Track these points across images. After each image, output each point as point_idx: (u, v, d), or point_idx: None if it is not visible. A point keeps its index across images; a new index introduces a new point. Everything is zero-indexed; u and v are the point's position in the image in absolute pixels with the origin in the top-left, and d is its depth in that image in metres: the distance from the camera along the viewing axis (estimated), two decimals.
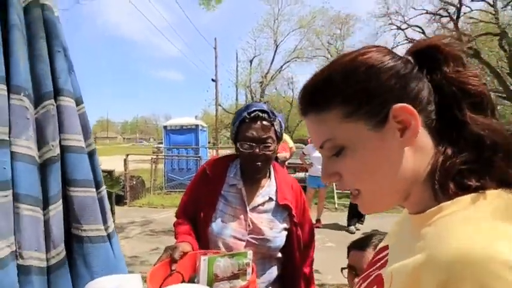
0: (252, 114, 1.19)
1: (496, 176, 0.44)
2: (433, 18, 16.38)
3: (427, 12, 16.49)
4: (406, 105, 0.46)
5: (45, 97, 1.03)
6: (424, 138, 0.48)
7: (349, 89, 0.48)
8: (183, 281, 1.01)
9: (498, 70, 15.23)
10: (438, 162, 0.46)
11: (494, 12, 14.87)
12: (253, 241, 1.21)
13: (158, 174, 10.03)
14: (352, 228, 5.32)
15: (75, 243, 1.07)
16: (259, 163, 1.22)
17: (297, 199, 1.32)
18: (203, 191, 1.28)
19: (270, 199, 1.27)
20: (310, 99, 0.52)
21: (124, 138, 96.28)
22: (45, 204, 0.98)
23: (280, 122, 1.25)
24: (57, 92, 1.06)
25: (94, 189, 1.13)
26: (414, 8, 18.08)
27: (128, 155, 8.27)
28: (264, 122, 1.20)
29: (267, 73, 21.58)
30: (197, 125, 10.42)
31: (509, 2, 14.23)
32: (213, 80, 16.74)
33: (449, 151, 0.46)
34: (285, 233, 1.26)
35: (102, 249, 1.11)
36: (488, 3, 15.16)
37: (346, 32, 22.21)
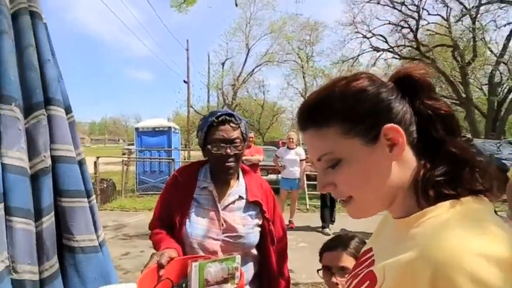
0: (220, 118, 1.24)
1: (466, 186, 0.51)
2: (395, 28, 17.19)
3: (389, 23, 17.28)
4: (395, 126, 0.52)
5: (36, 107, 1.00)
6: (408, 153, 0.54)
7: (346, 109, 0.54)
8: (173, 287, 1.02)
9: (452, 79, 16.22)
10: (420, 174, 0.53)
11: (447, 26, 15.89)
12: (228, 239, 1.23)
13: (129, 176, 9.73)
14: (327, 230, 5.44)
15: (67, 254, 1.05)
16: (231, 163, 1.26)
17: (266, 196, 1.36)
18: (175, 197, 1.30)
19: (240, 197, 1.31)
20: (310, 116, 0.57)
21: (92, 140, 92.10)
22: (38, 216, 0.95)
23: (244, 124, 1.31)
24: (47, 102, 1.03)
25: (86, 199, 1.11)
26: (378, 19, 18.86)
27: (98, 158, 7.96)
28: (232, 124, 1.25)
29: (238, 76, 21.64)
30: (170, 127, 10.21)
31: (461, 18, 15.27)
32: (185, 81, 16.52)
33: (428, 165, 0.53)
34: (258, 229, 1.29)
35: (95, 258, 1.09)
36: (443, 18, 16.18)
37: (315, 39, 22.81)
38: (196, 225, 1.23)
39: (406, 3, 15.93)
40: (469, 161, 0.53)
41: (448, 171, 0.52)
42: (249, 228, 1.26)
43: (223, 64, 22.15)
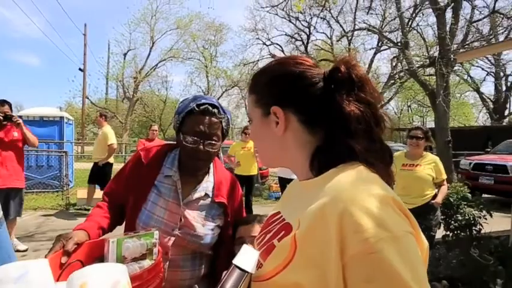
0: (202, 107, 1.09)
1: (344, 157, 0.60)
2: (290, 40, 18.77)
3: (286, 34, 18.77)
4: (279, 109, 0.64)
5: None
6: (301, 131, 0.64)
7: (259, 84, 0.70)
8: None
9: None
10: (312, 150, 0.63)
11: (330, 44, 18.21)
12: (184, 236, 1.11)
13: None
14: None
15: None
16: (201, 161, 1.13)
17: (234, 195, 1.25)
18: (135, 178, 1.16)
19: (206, 195, 1.19)
20: (249, 84, 0.74)
21: None
22: None
23: (228, 119, 1.17)
24: None
25: None
26: (276, 29, 20.23)
27: None
28: (213, 118, 1.11)
29: (141, 69, 20.22)
30: (62, 117, 8.88)
31: (340, 38, 17.69)
32: (80, 69, 14.55)
33: (318, 142, 0.63)
34: (218, 230, 1.18)
35: None
36: (327, 36, 18.45)
37: (220, 40, 23.08)
38: (152, 215, 1.11)
39: (299, 19, 17.57)
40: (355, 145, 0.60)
41: (331, 146, 0.62)
42: (208, 229, 1.15)
43: (125, 55, 20.39)
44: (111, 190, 1.23)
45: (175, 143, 1.23)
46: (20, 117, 9.08)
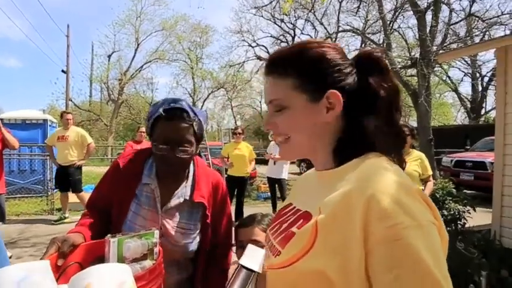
0: (169, 113, 1.03)
1: (373, 148, 0.61)
2: (275, 42, 18.86)
3: (271, 36, 18.86)
4: (337, 93, 0.60)
5: None
6: (340, 118, 0.62)
7: (304, 68, 0.61)
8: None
9: None
10: (338, 135, 0.63)
11: None
12: (165, 245, 1.05)
13: None
14: None
15: None
16: (174, 167, 1.08)
17: (214, 195, 1.20)
18: (115, 189, 1.12)
19: (185, 201, 1.14)
20: (274, 65, 0.64)
21: None
22: None
23: (200, 121, 1.10)
24: None
25: None
26: (262, 31, 20.27)
27: None
28: (182, 123, 1.04)
29: (126, 71, 19.89)
30: (45, 120, 8.63)
31: (325, 40, 17.90)
32: (63, 71, 14.14)
33: (346, 128, 0.63)
34: (200, 236, 1.15)
35: None
36: (311, 37, 18.66)
37: (205, 41, 22.98)
38: (133, 226, 1.08)
39: (284, 21, 17.69)
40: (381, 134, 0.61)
41: (363, 137, 0.61)
42: (188, 238, 1.12)
43: (109, 57, 20.11)
44: (94, 201, 1.19)
45: (150, 150, 1.18)
46: (1, 120, 8.75)
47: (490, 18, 11.93)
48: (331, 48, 0.63)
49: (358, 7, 13.94)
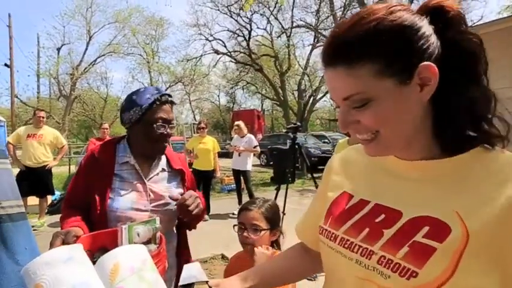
0: (163, 98, 1.23)
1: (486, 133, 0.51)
2: (232, 35, 18.78)
3: (228, 30, 18.74)
4: (431, 65, 0.48)
5: None
6: (432, 95, 0.50)
7: (383, 46, 0.48)
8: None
9: (274, 84, 19.15)
10: (443, 115, 0.51)
11: (271, 40, 18.68)
12: (156, 208, 1.21)
13: None
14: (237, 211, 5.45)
15: None
16: (166, 143, 1.27)
17: (185, 167, 1.40)
18: (93, 175, 1.21)
19: (163, 170, 1.31)
20: (341, 52, 0.50)
21: None
22: None
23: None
24: None
25: (7, 160, 0.94)
26: (219, 24, 20.05)
27: None
28: (170, 105, 1.27)
29: (78, 65, 18.52)
30: None
31: (280, 35, 18.26)
32: (6, 65, 12.81)
33: (453, 106, 0.51)
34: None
35: (24, 226, 0.94)
36: (267, 32, 18.87)
37: (161, 35, 22.16)
38: (122, 199, 1.18)
39: (240, 15, 17.66)
40: (484, 109, 0.51)
41: (468, 117, 0.50)
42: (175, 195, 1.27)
43: (58, 50, 18.51)
44: (72, 195, 1.26)
45: (117, 137, 1.36)
46: None
47: None
48: (403, 10, 0.50)
49: (320, 4, 14.36)
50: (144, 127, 1.22)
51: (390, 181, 0.57)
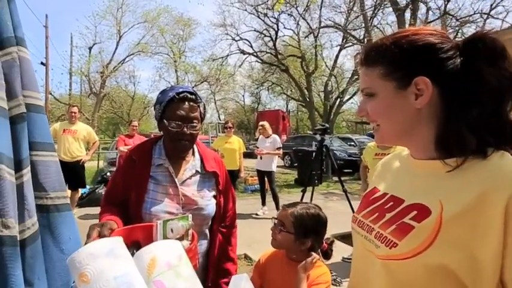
0: (181, 95, 1.19)
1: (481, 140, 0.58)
2: (259, 36, 18.85)
3: (254, 30, 18.82)
4: (426, 80, 0.58)
5: (6, 43, 0.81)
6: (436, 105, 0.60)
7: (391, 56, 0.62)
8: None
9: (300, 85, 19.02)
10: (441, 125, 0.61)
11: (298, 40, 18.56)
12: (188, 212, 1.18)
13: None
14: (260, 212, 5.55)
15: (39, 214, 0.89)
16: (186, 142, 1.22)
17: (220, 169, 1.36)
18: (131, 175, 1.23)
19: (197, 172, 1.29)
20: (365, 56, 0.67)
21: None
22: (17, 167, 0.79)
23: (204, 105, 1.29)
24: (17, 42, 0.85)
25: (55, 153, 0.96)
26: (245, 25, 20.18)
27: None
28: (192, 103, 1.21)
29: (108, 63, 19.32)
30: None
31: (307, 35, 18.10)
32: (42, 63, 13.57)
33: (451, 118, 0.60)
34: (215, 200, 1.29)
35: (69, 216, 0.97)
36: (294, 33, 18.77)
37: (188, 35, 22.61)
38: (155, 202, 1.19)
39: (268, 15, 17.69)
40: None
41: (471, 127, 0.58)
42: (207, 199, 1.26)
43: (90, 49, 19.37)
44: (111, 191, 1.29)
45: (155, 137, 1.34)
46: None
47: (463, 17, 12.45)
48: (426, 34, 0.61)
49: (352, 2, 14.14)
50: (163, 125, 1.21)
51: (406, 177, 0.69)
